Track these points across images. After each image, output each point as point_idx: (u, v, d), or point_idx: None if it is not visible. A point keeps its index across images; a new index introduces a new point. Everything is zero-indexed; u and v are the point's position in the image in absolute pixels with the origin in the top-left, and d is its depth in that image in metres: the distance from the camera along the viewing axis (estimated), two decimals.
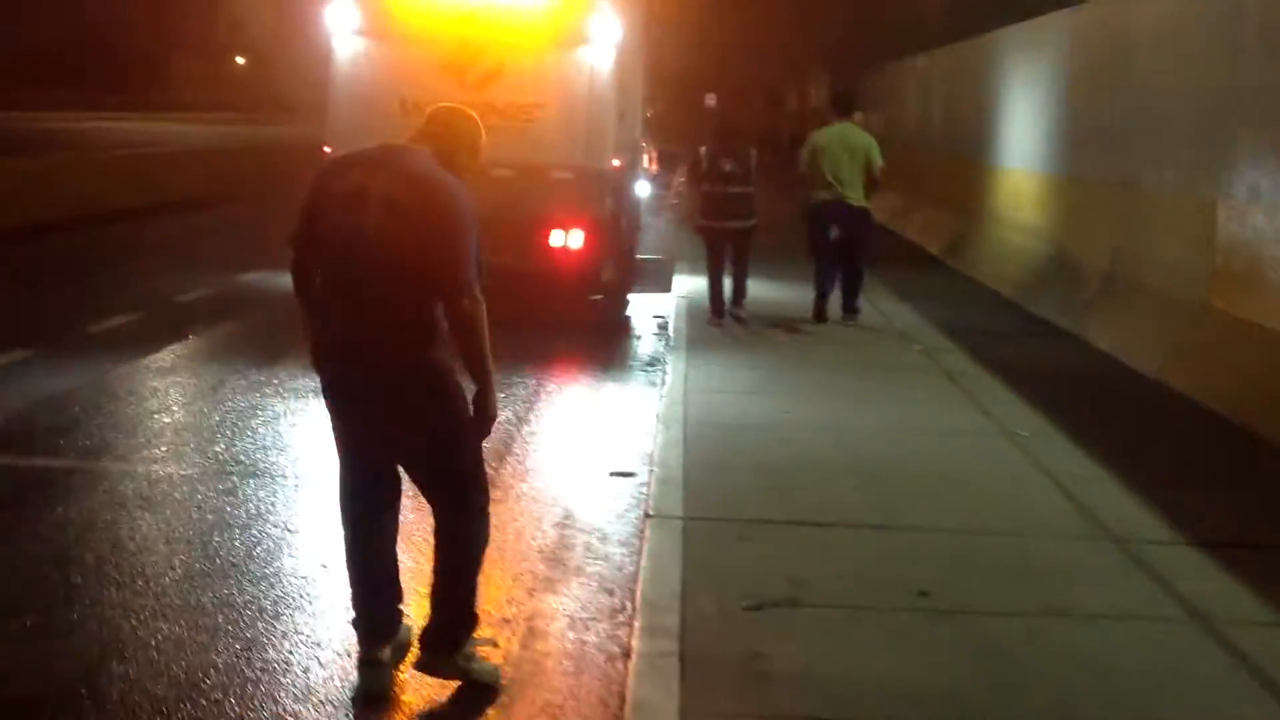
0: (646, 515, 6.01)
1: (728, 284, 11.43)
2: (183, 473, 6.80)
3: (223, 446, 7.31)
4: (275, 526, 6.02)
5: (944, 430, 7.78)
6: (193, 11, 76.49)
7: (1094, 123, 11.81)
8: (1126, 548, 5.67)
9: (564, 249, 11.06)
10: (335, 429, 4.38)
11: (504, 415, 4.65)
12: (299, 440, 7.56)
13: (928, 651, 4.55)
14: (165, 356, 9.65)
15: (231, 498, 6.38)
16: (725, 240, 11.29)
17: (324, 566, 5.43)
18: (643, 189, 15.70)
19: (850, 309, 11.49)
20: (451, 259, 4.06)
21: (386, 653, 4.35)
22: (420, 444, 4.27)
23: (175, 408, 8.40)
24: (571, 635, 4.91)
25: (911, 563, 5.41)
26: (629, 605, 5.12)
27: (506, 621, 5.01)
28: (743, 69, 34.27)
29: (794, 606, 4.89)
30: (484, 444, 4.45)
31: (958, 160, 17.70)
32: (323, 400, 4.40)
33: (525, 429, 8.03)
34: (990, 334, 11.20)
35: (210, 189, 21.51)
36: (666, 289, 13.27)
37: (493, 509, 4.52)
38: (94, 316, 10.87)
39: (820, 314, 11.38)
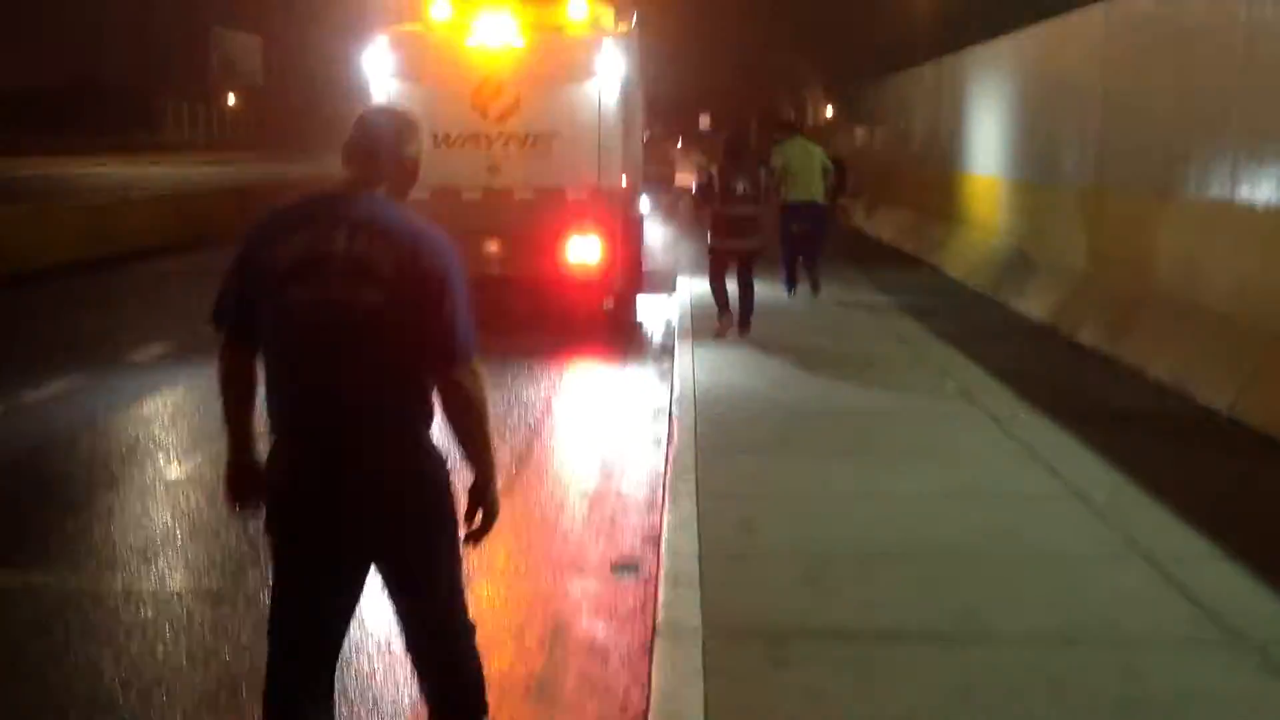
0: (655, 632, 4.78)
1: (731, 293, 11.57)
2: None
3: None
4: None
5: (1006, 494, 6.56)
6: (183, 51, 75.72)
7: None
8: (1269, 656, 4.46)
9: (580, 262, 12.24)
10: (280, 549, 3.37)
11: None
12: None
13: None
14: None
15: None
16: (733, 260, 11.54)
17: None
18: (644, 205, 16.79)
19: (816, 285, 14.03)
20: (446, 328, 3.27)
21: None
22: (405, 553, 3.37)
23: None
24: None
25: (1002, 697, 4.18)
26: None
27: None
28: (738, 92, 33.32)
29: None
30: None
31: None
32: (269, 506, 3.38)
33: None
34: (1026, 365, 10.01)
35: (180, 233, 20.40)
36: (670, 291, 14.80)
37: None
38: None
39: (793, 290, 14.02)
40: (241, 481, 3.46)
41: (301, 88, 76.12)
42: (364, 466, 3.27)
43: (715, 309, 11.58)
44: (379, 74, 12.21)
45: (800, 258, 14.06)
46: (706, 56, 26.48)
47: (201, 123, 79.18)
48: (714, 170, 11.56)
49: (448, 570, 3.46)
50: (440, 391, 3.34)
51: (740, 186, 11.31)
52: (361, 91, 12.36)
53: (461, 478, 3.38)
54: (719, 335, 11.23)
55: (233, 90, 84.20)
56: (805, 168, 13.88)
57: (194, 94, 79.70)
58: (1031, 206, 14.07)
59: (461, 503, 3.41)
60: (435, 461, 3.37)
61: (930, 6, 30.62)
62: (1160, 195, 10.14)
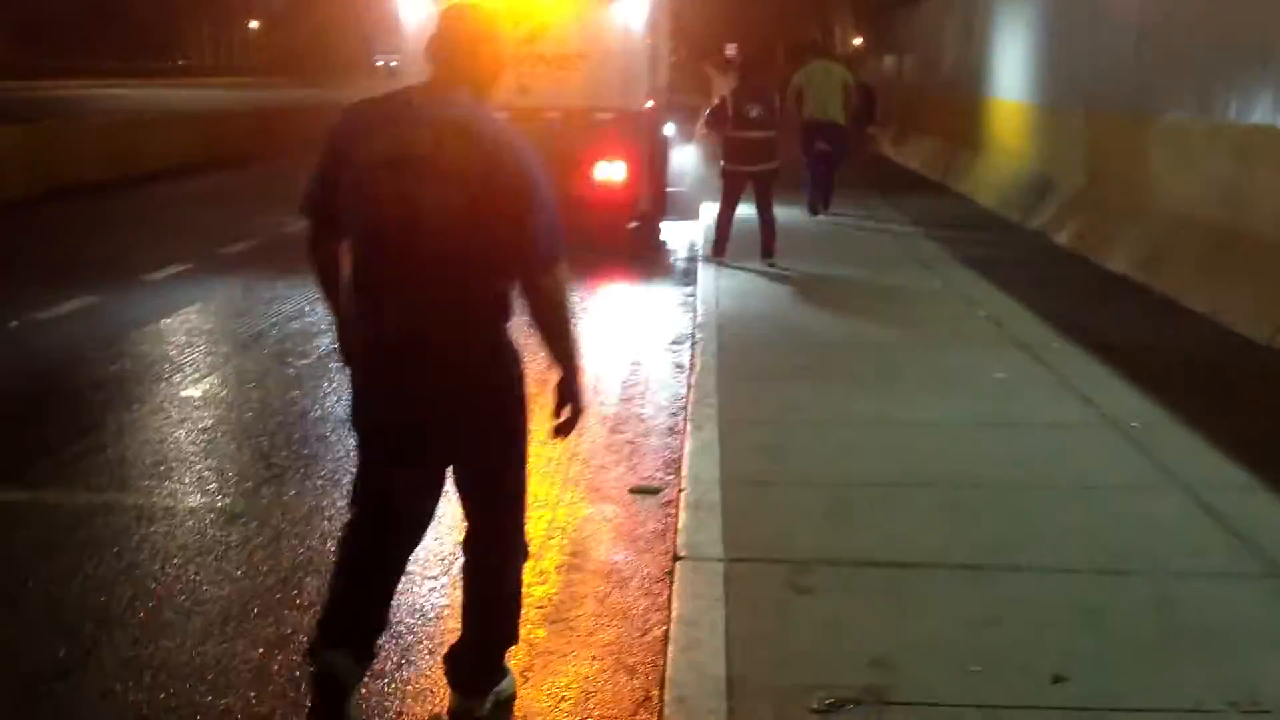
0: (676, 558, 4.65)
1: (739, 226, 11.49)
2: None
3: None
4: None
5: (1038, 423, 6.38)
6: None
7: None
8: None
9: (606, 181, 12.35)
10: (367, 442, 3.56)
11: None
12: None
13: None
14: None
15: None
16: (746, 183, 11.44)
17: None
18: (670, 130, 16.78)
19: (826, 204, 14.75)
20: (531, 233, 3.35)
21: (336, 662, 3.48)
22: (474, 460, 3.54)
23: None
24: None
25: (1033, 628, 4.04)
26: (655, 695, 3.79)
27: None
28: (767, 20, 32.73)
29: (883, 704, 3.54)
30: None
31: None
32: (360, 399, 3.57)
33: None
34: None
35: (199, 155, 20.23)
36: (693, 217, 14.47)
37: None
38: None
39: (814, 209, 14.65)
40: (351, 349, 3.58)
41: (323, 13, 75.34)
42: (442, 369, 3.37)
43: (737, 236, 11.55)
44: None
45: (819, 179, 14.73)
46: None
47: (223, 48, 78.54)
48: (726, 93, 11.48)
49: (513, 478, 3.59)
50: (525, 294, 3.40)
51: (753, 110, 11.21)
52: (392, 15, 12.60)
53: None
54: (711, 260, 11.25)
55: (255, 16, 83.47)
56: (825, 87, 14.45)
57: (216, 19, 79.07)
58: (1062, 132, 13.73)
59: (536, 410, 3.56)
60: (511, 368, 3.48)
61: None
62: (1200, 121, 9.84)
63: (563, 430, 3.53)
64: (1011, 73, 16.41)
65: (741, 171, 11.43)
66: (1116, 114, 11.71)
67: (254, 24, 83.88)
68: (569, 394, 3.51)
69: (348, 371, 3.63)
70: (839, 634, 3.99)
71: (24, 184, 15.75)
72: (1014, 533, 4.85)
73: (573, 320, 3.50)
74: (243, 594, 4.59)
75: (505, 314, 3.43)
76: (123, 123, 20.57)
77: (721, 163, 11.64)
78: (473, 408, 3.44)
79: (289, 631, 4.26)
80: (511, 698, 3.79)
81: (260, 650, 4.13)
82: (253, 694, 3.85)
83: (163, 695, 3.84)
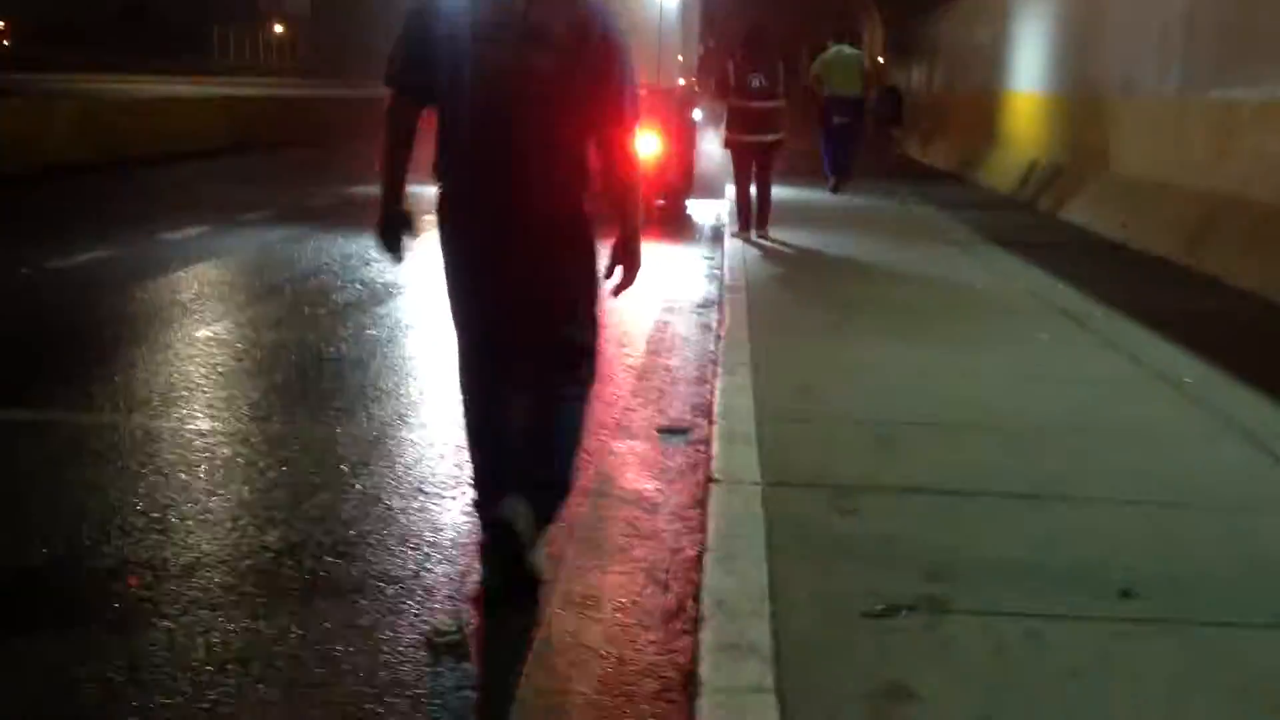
0: (709, 480, 4.38)
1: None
2: None
3: None
4: None
5: (1087, 378, 6.09)
6: None
7: None
8: None
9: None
10: (460, 291, 3.74)
11: None
12: None
13: (1157, 684, 2.92)
14: None
15: None
16: (751, 154, 11.21)
17: None
18: (698, 114, 16.92)
19: (848, 177, 15.28)
20: (615, 95, 3.57)
21: (514, 515, 3.58)
22: (555, 306, 3.74)
23: None
24: (610, 651, 3.32)
25: (1098, 549, 3.76)
26: (690, 607, 3.52)
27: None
28: (794, 25, 32.50)
29: (940, 612, 3.27)
30: None
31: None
32: (444, 259, 3.70)
33: None
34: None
35: (224, 137, 20.15)
36: (719, 196, 14.65)
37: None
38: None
39: (836, 188, 15.07)
40: (391, 226, 3.69)
41: (345, 17, 75.46)
42: (529, 222, 3.58)
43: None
44: None
45: (838, 153, 15.19)
46: None
47: (249, 50, 78.75)
48: (729, 64, 11.15)
49: (584, 322, 3.79)
50: (605, 151, 3.59)
51: (756, 81, 10.94)
52: None
53: None
54: (737, 235, 11.05)
55: (280, 20, 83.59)
56: (844, 66, 14.90)
57: (242, 22, 79.24)
58: (1095, 119, 13.45)
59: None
60: (587, 218, 3.68)
61: None
62: (1245, 98, 9.56)
63: (619, 289, 3.72)
64: (1019, 67, 17.23)
65: (745, 141, 11.18)
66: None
67: (279, 28, 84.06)
68: (630, 250, 3.68)
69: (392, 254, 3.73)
70: (889, 549, 3.72)
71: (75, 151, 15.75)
72: (1070, 469, 4.56)
73: (640, 186, 3.66)
74: (249, 504, 4.34)
75: (585, 172, 3.63)
76: (144, 104, 20.38)
77: (725, 133, 11.39)
78: (557, 262, 3.65)
79: (298, 540, 4.01)
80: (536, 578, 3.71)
81: (267, 552, 3.89)
82: (252, 585, 3.61)
83: (156, 587, 3.58)
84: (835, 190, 15.01)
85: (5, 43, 57.90)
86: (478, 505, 3.82)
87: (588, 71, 3.49)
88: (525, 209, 3.56)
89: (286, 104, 25.72)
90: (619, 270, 3.69)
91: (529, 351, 3.77)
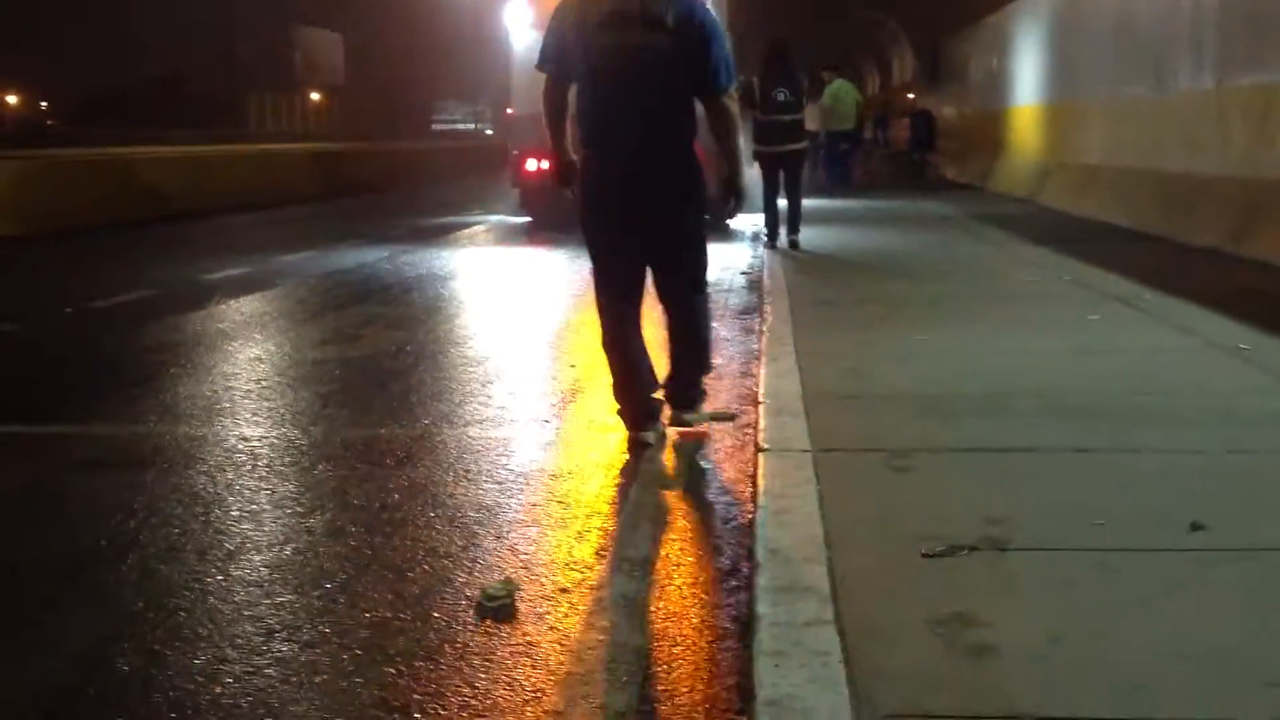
0: (758, 449, 4.29)
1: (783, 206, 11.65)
2: None
3: None
4: None
5: (1140, 349, 5.96)
6: (266, 50, 76.37)
7: None
8: None
9: None
10: (596, 227, 4.82)
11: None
12: None
13: (1230, 607, 2.79)
14: None
15: None
16: (779, 165, 11.51)
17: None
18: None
19: (851, 186, 19.55)
20: (715, 65, 4.63)
21: (651, 436, 4.84)
22: (677, 232, 4.85)
23: None
24: (664, 607, 3.23)
25: (1164, 492, 3.64)
26: (745, 567, 3.43)
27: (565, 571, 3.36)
28: (821, 49, 32.58)
29: (1001, 550, 3.16)
30: None
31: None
32: (585, 200, 4.78)
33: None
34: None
35: (262, 191, 20.43)
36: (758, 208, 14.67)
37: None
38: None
39: (832, 193, 18.49)
40: (566, 172, 4.86)
41: (379, 84, 76.51)
42: (653, 167, 4.68)
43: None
44: (518, 26, 14.53)
45: (841, 169, 19.48)
46: (791, 13, 25.95)
47: (284, 118, 79.90)
48: (755, 78, 11.44)
49: (693, 244, 4.92)
50: (708, 111, 4.71)
51: (780, 94, 11.17)
52: (502, 44, 14.87)
53: None
54: (769, 247, 11.30)
55: (315, 89, 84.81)
56: (847, 104, 19.22)
57: (279, 92, 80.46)
58: (1134, 120, 13.34)
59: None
60: (698, 167, 4.78)
61: None
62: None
63: (728, 215, 5.33)
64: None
65: (773, 153, 11.39)
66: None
67: (315, 95, 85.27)
68: (736, 186, 4.89)
69: (569, 193, 4.88)
70: (947, 499, 3.61)
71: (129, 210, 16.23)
72: (1130, 427, 4.44)
73: (740, 133, 4.76)
74: (293, 497, 4.29)
75: (693, 128, 4.70)
76: (187, 160, 20.68)
77: (753, 145, 11.39)
78: (664, 193, 4.71)
79: (340, 524, 3.95)
80: (705, 416, 5.11)
81: (305, 538, 3.83)
82: (300, 564, 3.55)
83: (199, 575, 3.53)
84: (831, 194, 18.15)
85: (50, 122, 58.86)
86: (621, 415, 4.92)
87: (690, 47, 4.55)
88: (652, 156, 4.64)
89: (317, 156, 26.04)
90: (731, 200, 4.91)
91: (659, 274, 4.86)
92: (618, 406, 4.90)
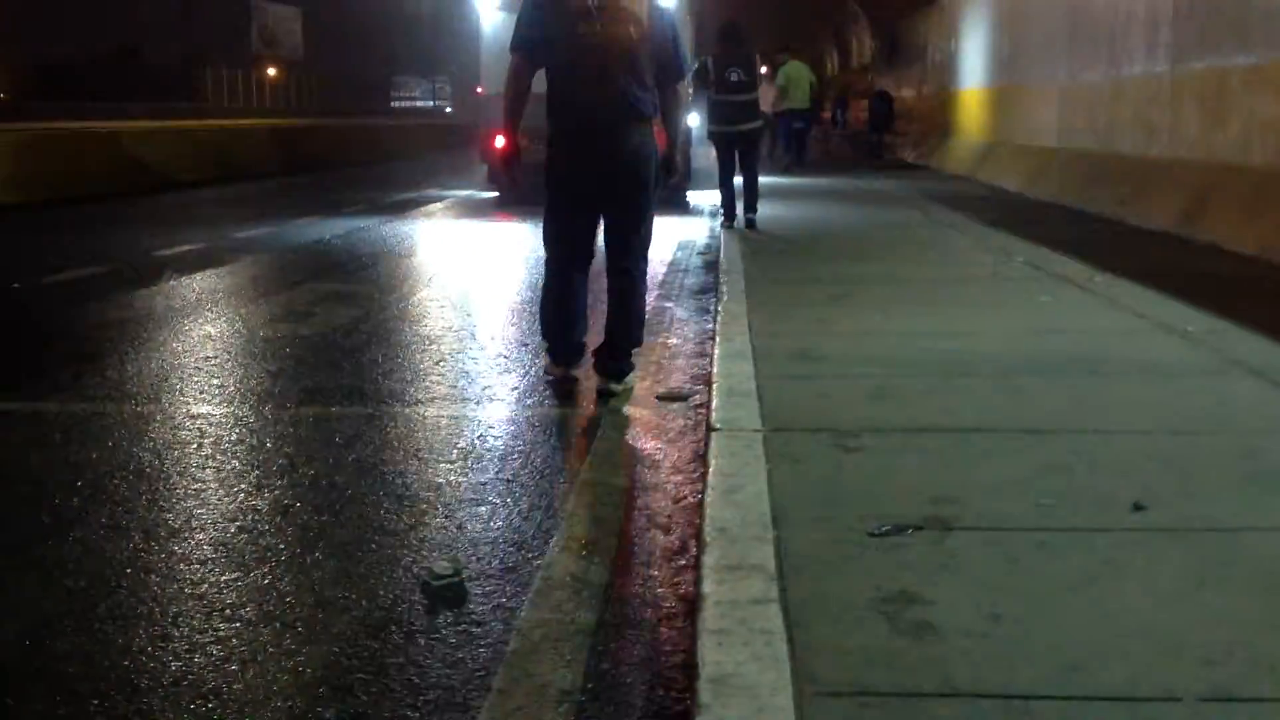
0: (710, 429, 4.29)
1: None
2: None
3: None
4: None
5: (1092, 330, 6.02)
6: (223, 25, 75.35)
7: None
8: None
9: None
10: (561, 193, 5.37)
11: None
12: None
13: (1168, 582, 2.83)
14: None
15: None
16: (734, 144, 11.47)
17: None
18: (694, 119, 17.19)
19: (801, 163, 20.33)
20: (674, 54, 5.35)
21: (617, 386, 5.37)
22: (631, 199, 5.33)
23: None
24: (612, 584, 3.23)
25: (1107, 473, 3.67)
26: (693, 546, 3.44)
27: (510, 571, 3.35)
28: (781, 30, 32.54)
29: (946, 529, 3.18)
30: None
31: None
32: (551, 174, 5.35)
33: None
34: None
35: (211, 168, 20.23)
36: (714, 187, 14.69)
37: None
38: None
39: (788, 169, 19.55)
40: (511, 159, 5.36)
41: (337, 59, 75.82)
42: (618, 144, 5.23)
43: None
44: (487, 6, 15.14)
45: (795, 147, 20.60)
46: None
47: (241, 93, 79.01)
48: (709, 58, 11.43)
49: (646, 222, 5.45)
50: (661, 93, 5.34)
51: (734, 74, 11.15)
52: (473, 25, 15.57)
53: None
54: (725, 227, 11.34)
55: (273, 64, 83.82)
56: (800, 84, 20.11)
57: (235, 66, 79.49)
58: (1087, 104, 13.44)
59: None
60: (653, 146, 5.36)
61: None
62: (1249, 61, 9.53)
63: (670, 185, 5.72)
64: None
65: (727, 133, 11.37)
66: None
67: (272, 70, 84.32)
68: (671, 158, 5.52)
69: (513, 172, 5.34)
70: (893, 479, 3.63)
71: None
72: (1077, 406, 4.49)
73: (683, 112, 5.31)
74: (240, 475, 4.26)
75: (653, 110, 5.31)
76: (151, 136, 20.40)
77: (709, 126, 11.52)
78: (628, 170, 5.25)
79: (289, 502, 3.93)
80: (631, 388, 5.43)
81: (251, 516, 3.80)
82: (243, 543, 3.52)
83: (143, 552, 3.50)
84: (787, 171, 19.05)
85: (1, 96, 57.82)
86: (549, 353, 5.58)
87: (655, 38, 5.21)
88: (620, 124, 5.18)
89: (272, 131, 25.77)
90: (672, 168, 5.51)
91: (616, 231, 5.36)
92: (546, 345, 5.54)
